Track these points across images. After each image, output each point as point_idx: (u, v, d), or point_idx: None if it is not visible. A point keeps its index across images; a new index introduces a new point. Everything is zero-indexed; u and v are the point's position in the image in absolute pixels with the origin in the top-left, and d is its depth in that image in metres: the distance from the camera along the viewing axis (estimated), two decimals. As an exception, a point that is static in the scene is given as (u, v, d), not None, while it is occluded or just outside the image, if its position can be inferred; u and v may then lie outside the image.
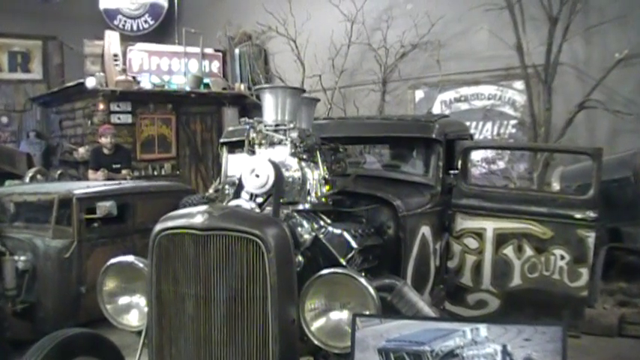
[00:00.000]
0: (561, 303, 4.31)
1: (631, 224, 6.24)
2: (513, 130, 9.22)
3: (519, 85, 9.00)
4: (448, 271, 4.57)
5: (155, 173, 12.22)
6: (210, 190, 3.97)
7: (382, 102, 10.80)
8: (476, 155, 8.30)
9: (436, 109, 9.94)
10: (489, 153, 8.85)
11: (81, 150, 11.75)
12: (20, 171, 9.79)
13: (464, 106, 9.80)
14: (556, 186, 6.54)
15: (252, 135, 3.63)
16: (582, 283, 4.29)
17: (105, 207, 6.38)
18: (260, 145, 3.60)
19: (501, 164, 8.96)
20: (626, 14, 7.61)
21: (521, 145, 8.73)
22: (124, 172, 9.84)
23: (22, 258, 6.08)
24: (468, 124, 7.33)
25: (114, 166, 9.76)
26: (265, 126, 3.60)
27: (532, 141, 8.40)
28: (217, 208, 3.07)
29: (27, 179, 8.77)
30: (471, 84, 9.68)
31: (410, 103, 10.54)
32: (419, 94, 10.46)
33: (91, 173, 9.76)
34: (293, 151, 3.56)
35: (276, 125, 3.58)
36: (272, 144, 3.58)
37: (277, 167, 3.22)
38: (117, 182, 7.81)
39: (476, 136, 8.98)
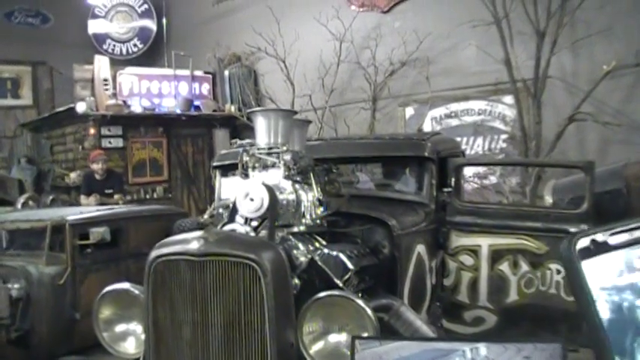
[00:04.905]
0: (559, 317, 4.29)
1: (624, 236, 6.23)
2: (504, 145, 9.23)
3: (509, 99, 9.01)
4: (444, 288, 4.56)
5: (147, 197, 12.21)
6: (206, 216, 3.96)
7: (373, 120, 10.81)
8: (467, 171, 8.30)
9: (427, 126, 9.95)
10: (481, 168, 8.85)
11: (72, 175, 11.71)
12: (12, 197, 9.76)
13: (454, 122, 9.81)
14: (549, 199, 6.53)
15: (246, 158, 3.63)
16: (579, 297, 4.27)
17: (98, 232, 6.33)
18: (253, 168, 3.60)
19: (493, 179, 8.97)
20: (612, 26, 7.64)
21: (514, 160, 8.73)
22: (116, 196, 9.81)
23: (16, 285, 6.01)
24: (458, 139, 7.35)
25: (106, 191, 9.74)
26: (258, 149, 3.61)
27: (523, 155, 8.40)
28: (212, 234, 3.07)
29: (19, 205, 8.73)
30: (460, 100, 9.69)
31: (400, 120, 10.55)
32: (409, 111, 10.47)
33: (83, 199, 9.73)
34: (286, 173, 3.55)
35: (269, 148, 3.58)
36: (265, 167, 3.58)
37: (271, 190, 3.22)
38: (110, 207, 7.78)
39: (467, 152, 8.99)
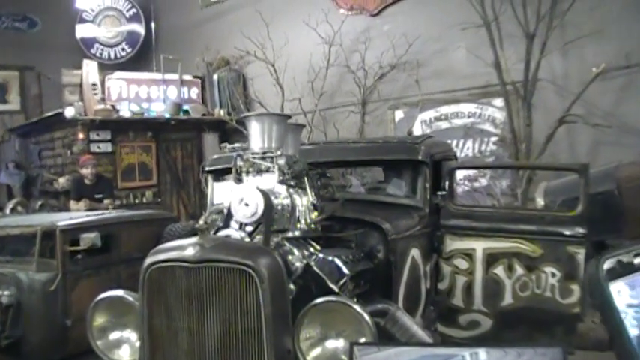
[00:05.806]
0: (554, 320, 4.30)
1: (616, 237, 6.24)
2: (494, 148, 9.22)
3: (499, 102, 9.00)
4: (439, 292, 4.55)
5: (136, 201, 12.13)
6: (201, 222, 3.94)
7: (362, 123, 10.79)
8: (458, 174, 8.29)
9: (416, 129, 9.94)
10: (471, 171, 8.84)
11: (61, 180, 11.63)
12: (0, 203, 9.70)
13: (444, 124, 9.80)
14: (540, 202, 6.54)
15: (240, 163, 3.61)
16: (574, 299, 4.28)
17: (89, 238, 6.27)
18: (247, 173, 3.58)
19: (484, 182, 8.96)
20: (602, 29, 7.64)
21: (508, 163, 8.72)
22: (106, 202, 9.74)
23: (6, 292, 5.96)
24: (448, 142, 7.34)
25: (96, 196, 9.66)
26: (252, 154, 3.58)
27: (514, 157, 8.40)
28: (208, 239, 3.04)
29: (7, 211, 8.67)
30: (450, 102, 9.68)
31: (390, 123, 10.53)
32: (399, 114, 10.45)
33: (72, 204, 9.65)
34: (281, 178, 3.54)
35: (263, 153, 3.56)
36: (259, 172, 3.56)
37: (266, 196, 3.20)
38: (100, 213, 7.72)
39: (457, 155, 8.98)
